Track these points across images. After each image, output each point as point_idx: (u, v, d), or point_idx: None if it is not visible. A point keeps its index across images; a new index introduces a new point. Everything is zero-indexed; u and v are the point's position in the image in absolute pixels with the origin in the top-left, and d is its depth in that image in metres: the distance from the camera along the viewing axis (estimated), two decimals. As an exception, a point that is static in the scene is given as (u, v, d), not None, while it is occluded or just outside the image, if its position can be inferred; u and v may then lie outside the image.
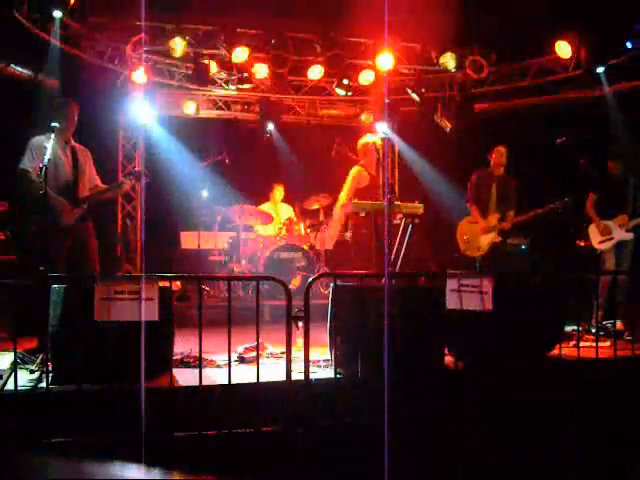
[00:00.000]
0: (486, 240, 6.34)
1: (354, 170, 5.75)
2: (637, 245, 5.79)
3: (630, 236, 5.78)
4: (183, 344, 4.06)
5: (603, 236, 5.87)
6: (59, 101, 4.74)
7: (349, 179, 5.73)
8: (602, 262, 5.89)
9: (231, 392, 3.43)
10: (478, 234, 6.39)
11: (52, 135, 4.15)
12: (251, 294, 7.16)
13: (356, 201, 5.28)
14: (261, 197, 8.47)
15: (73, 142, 4.75)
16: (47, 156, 3.96)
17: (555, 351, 4.23)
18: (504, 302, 3.84)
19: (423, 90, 8.34)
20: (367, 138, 5.90)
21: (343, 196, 5.69)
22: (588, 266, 6.06)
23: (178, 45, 7.12)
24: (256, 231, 8.20)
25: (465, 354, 4.03)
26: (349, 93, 8.21)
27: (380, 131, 5.98)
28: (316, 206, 8.04)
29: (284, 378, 3.49)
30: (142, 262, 8.23)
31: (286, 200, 8.45)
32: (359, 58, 7.95)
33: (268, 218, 8.03)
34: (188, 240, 8.56)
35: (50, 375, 3.38)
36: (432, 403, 3.62)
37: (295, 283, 7.31)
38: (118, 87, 7.60)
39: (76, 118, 4.71)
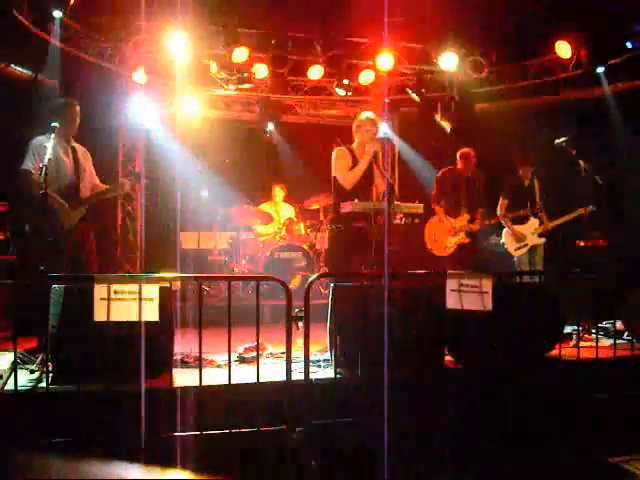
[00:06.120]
0: (453, 240, 6.35)
1: (337, 151, 4.95)
2: (548, 248, 6.20)
3: (542, 241, 6.21)
4: (183, 344, 4.06)
5: (518, 243, 6.22)
6: (60, 102, 4.71)
7: (338, 160, 4.94)
8: (518, 266, 6.23)
9: (231, 392, 3.43)
10: (445, 234, 6.39)
11: (52, 135, 4.15)
12: (251, 294, 7.17)
13: (356, 201, 5.25)
14: (261, 197, 8.47)
15: (73, 142, 4.74)
16: (47, 156, 3.96)
17: (555, 351, 4.23)
18: (504, 302, 3.84)
19: (423, 90, 8.33)
20: (363, 115, 5.06)
21: (339, 174, 4.92)
22: (587, 266, 6.05)
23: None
24: (256, 231, 8.19)
25: (465, 354, 4.04)
26: (349, 93, 8.21)
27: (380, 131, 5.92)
28: (316, 206, 8.04)
29: (284, 378, 3.49)
30: (142, 262, 8.23)
31: (286, 200, 8.45)
32: (359, 58, 7.94)
33: (268, 218, 8.03)
34: (188, 240, 8.56)
35: (50, 375, 3.38)
36: (432, 403, 3.62)
37: (295, 283, 7.31)
38: (118, 87, 7.59)
39: (78, 119, 4.70)
